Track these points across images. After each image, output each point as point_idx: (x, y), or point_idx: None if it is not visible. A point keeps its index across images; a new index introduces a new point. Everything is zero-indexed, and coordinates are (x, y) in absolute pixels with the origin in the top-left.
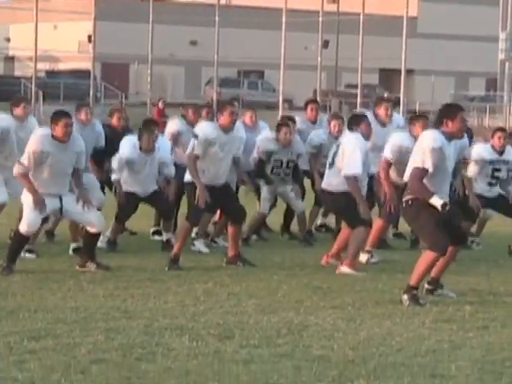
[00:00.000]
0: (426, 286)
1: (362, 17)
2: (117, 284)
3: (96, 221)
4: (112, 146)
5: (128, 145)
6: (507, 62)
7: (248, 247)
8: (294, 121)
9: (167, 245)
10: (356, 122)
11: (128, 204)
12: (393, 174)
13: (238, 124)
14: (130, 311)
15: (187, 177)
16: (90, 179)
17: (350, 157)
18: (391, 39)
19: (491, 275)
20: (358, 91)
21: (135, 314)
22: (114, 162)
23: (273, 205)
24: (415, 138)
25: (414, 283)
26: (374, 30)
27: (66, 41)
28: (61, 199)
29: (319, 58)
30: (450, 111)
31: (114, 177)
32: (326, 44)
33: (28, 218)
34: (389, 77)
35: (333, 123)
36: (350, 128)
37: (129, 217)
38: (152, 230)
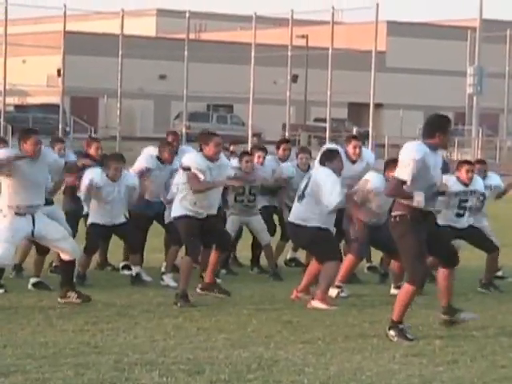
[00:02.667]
0: (443, 317)
1: (330, 51)
2: (86, 319)
3: (70, 247)
4: None
5: (94, 172)
6: (475, 96)
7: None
8: (264, 150)
9: (136, 279)
10: (329, 157)
11: (96, 235)
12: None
13: (222, 154)
14: (99, 346)
15: (173, 214)
16: (56, 210)
17: (328, 190)
18: (360, 73)
19: (460, 309)
20: (327, 125)
21: (105, 349)
22: (81, 193)
23: (238, 236)
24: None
25: (397, 318)
26: (343, 65)
27: (35, 75)
28: (33, 221)
29: (288, 93)
30: (442, 124)
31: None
32: (294, 78)
33: (1, 249)
34: (358, 111)
35: (300, 156)
36: (323, 163)
37: (96, 249)
38: (121, 264)
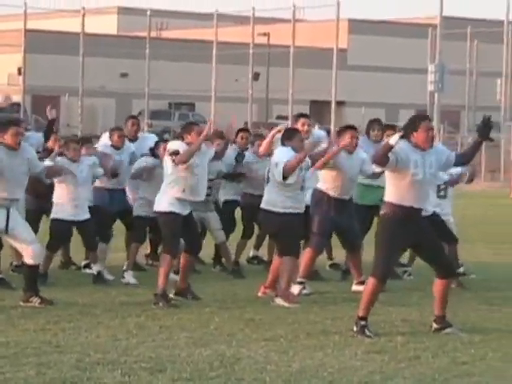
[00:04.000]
0: (434, 324)
1: (292, 49)
2: (48, 318)
3: (36, 251)
4: None
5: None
6: (436, 93)
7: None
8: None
9: (98, 277)
10: (288, 136)
11: (58, 232)
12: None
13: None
14: (61, 345)
15: (157, 208)
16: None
17: (277, 164)
18: (321, 71)
19: (422, 305)
20: (289, 123)
21: (66, 348)
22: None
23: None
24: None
25: (362, 314)
26: (305, 63)
27: None
28: (8, 216)
29: (250, 90)
30: (412, 122)
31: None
32: (256, 76)
33: None
34: (320, 108)
35: (257, 143)
36: (283, 142)
37: (59, 246)
38: (83, 263)
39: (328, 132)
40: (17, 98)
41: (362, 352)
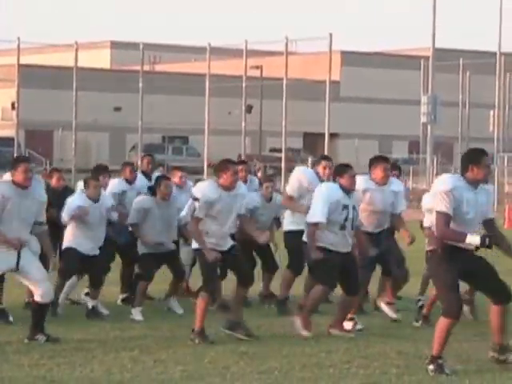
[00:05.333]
0: (493, 354)
1: (285, 81)
2: (42, 353)
3: (46, 290)
4: (52, 206)
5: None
6: (429, 124)
7: (170, 312)
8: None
9: (92, 312)
10: (339, 172)
11: (70, 259)
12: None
13: (239, 182)
14: (55, 381)
15: (193, 245)
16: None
17: (313, 204)
18: (314, 103)
19: (417, 338)
20: (283, 155)
21: (61, 383)
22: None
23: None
24: (374, 180)
25: (436, 353)
26: (298, 95)
27: None
28: (19, 255)
29: (243, 123)
30: (474, 156)
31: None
32: (249, 109)
33: None
34: (313, 140)
35: (265, 185)
36: (334, 178)
37: (71, 273)
38: (85, 290)
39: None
40: (10, 132)
41: None
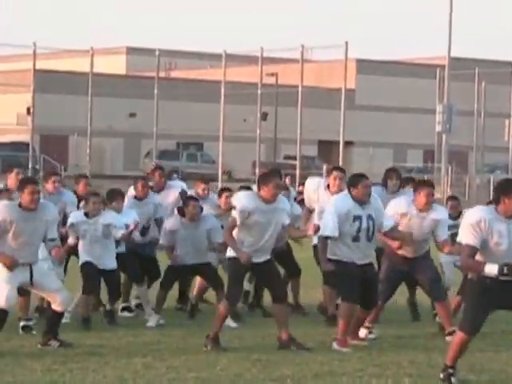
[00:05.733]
0: None
1: (300, 89)
2: (55, 358)
3: (63, 299)
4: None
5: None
6: (444, 134)
7: (182, 318)
8: (229, 190)
9: (110, 314)
10: (353, 183)
11: (90, 274)
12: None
13: (281, 196)
14: None
15: (227, 253)
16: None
17: (323, 217)
18: (329, 111)
19: (430, 348)
20: (297, 163)
21: None
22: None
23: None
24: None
25: (449, 363)
26: (313, 102)
27: (5, 113)
28: (31, 270)
29: (258, 130)
30: (506, 187)
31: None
32: (264, 116)
33: (3, 292)
34: (327, 148)
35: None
36: (348, 189)
37: (94, 288)
38: (121, 305)
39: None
40: (26, 137)
41: None
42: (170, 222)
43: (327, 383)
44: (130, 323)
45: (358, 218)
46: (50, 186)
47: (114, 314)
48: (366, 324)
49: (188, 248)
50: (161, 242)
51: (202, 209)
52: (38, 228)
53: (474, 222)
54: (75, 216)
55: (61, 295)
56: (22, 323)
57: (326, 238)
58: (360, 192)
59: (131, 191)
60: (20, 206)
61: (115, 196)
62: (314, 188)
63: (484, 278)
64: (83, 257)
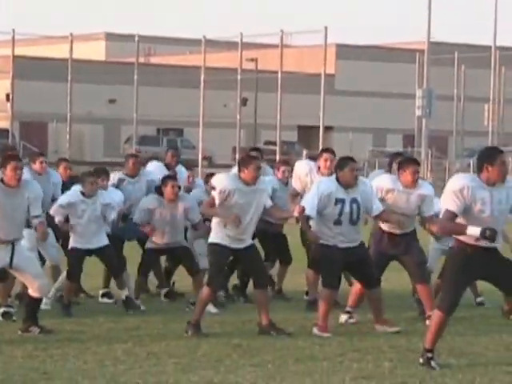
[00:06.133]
0: None
1: (280, 75)
2: (35, 345)
3: (42, 285)
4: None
5: (69, 192)
6: (424, 118)
7: (163, 304)
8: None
9: (128, 302)
10: (340, 165)
11: (76, 260)
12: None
13: (262, 177)
14: (49, 372)
15: (209, 239)
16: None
17: (306, 196)
18: (309, 96)
19: (410, 332)
20: (277, 148)
21: (54, 374)
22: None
23: None
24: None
25: (428, 346)
26: (293, 88)
27: None
28: (13, 251)
29: (238, 116)
30: (489, 155)
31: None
32: (244, 102)
33: None
34: (307, 134)
35: (282, 169)
36: (335, 170)
37: (79, 274)
38: (101, 291)
39: (313, 159)
40: (5, 124)
41: (350, 378)
42: (148, 200)
43: (308, 368)
44: (110, 309)
45: (340, 201)
46: (37, 166)
47: (131, 300)
48: (347, 309)
49: (165, 227)
50: (135, 218)
51: (179, 188)
52: (20, 204)
53: (456, 188)
54: (72, 195)
55: (39, 281)
56: (1, 309)
57: (306, 217)
58: (346, 175)
59: (152, 167)
60: (2, 181)
61: (100, 174)
62: (306, 171)
63: (465, 247)
64: (74, 241)
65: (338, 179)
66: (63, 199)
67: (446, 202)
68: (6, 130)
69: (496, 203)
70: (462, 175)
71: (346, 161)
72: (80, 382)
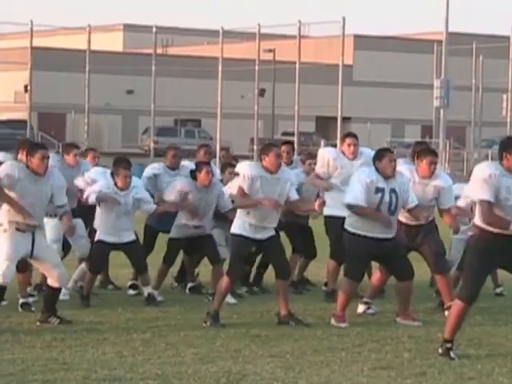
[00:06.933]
0: None
1: (297, 65)
2: (54, 335)
3: (61, 275)
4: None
5: (104, 182)
6: (442, 109)
7: (181, 294)
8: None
9: (149, 299)
10: (378, 156)
11: (100, 253)
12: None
13: (284, 167)
14: (67, 363)
15: (231, 229)
16: (77, 225)
17: (349, 186)
18: (327, 87)
19: (428, 322)
20: (295, 139)
21: (73, 365)
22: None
23: None
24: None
25: (447, 336)
26: (310, 79)
27: (2, 91)
28: (33, 240)
29: (256, 107)
30: (509, 144)
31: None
32: (262, 92)
33: (2, 268)
34: (325, 124)
35: (307, 162)
36: (374, 162)
37: (102, 267)
38: (129, 283)
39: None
40: (23, 115)
41: (369, 368)
42: (182, 182)
43: (327, 359)
44: (129, 300)
45: (380, 190)
46: (71, 158)
47: (153, 297)
48: (365, 299)
49: (197, 211)
50: (167, 198)
51: (213, 174)
52: (42, 191)
53: (486, 176)
54: (107, 186)
55: (58, 272)
56: (21, 300)
57: (353, 206)
58: (385, 166)
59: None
60: (28, 168)
61: (122, 163)
62: (334, 157)
63: (487, 234)
64: (101, 233)
65: (377, 170)
66: (99, 186)
67: (478, 191)
68: (25, 121)
69: None
70: (485, 163)
71: (385, 152)
72: (99, 372)
